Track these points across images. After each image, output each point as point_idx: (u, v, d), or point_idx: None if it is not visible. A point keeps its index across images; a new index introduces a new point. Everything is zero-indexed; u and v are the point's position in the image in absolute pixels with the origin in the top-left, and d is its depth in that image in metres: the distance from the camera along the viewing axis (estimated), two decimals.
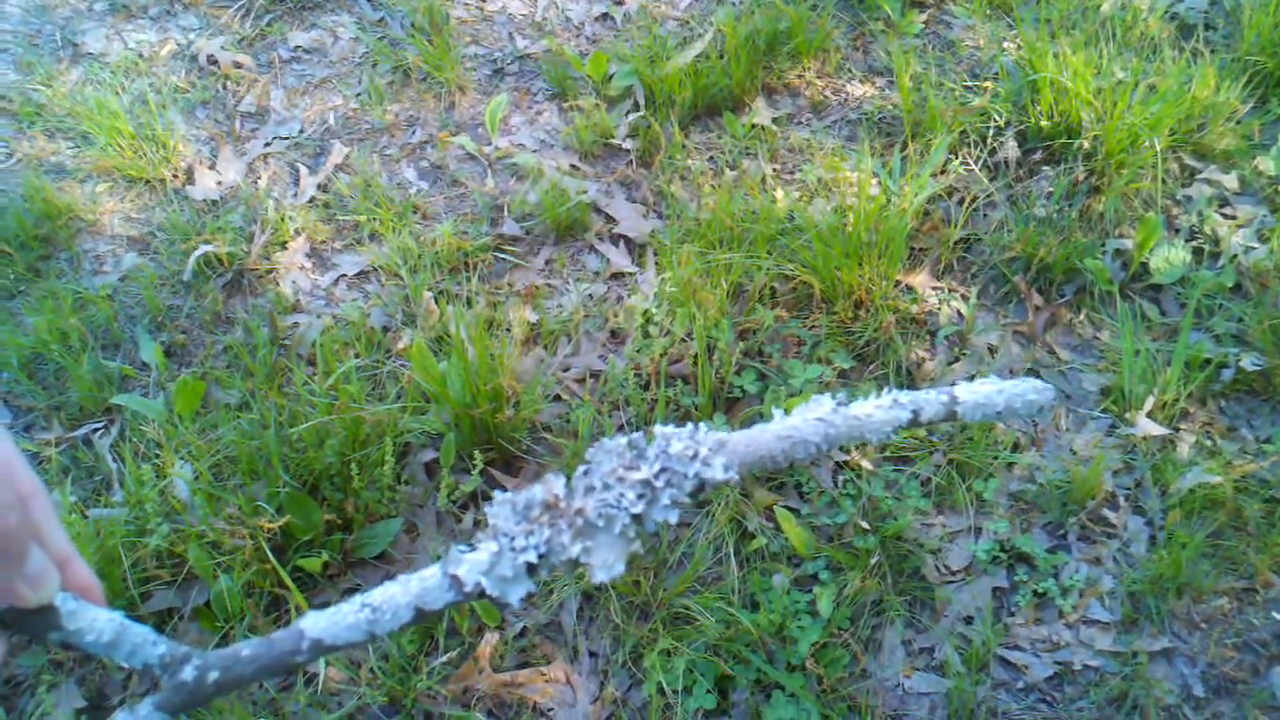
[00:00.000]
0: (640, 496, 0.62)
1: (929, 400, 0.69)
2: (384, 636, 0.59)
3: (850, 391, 0.69)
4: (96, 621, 0.54)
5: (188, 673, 0.55)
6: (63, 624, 0.53)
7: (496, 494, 0.62)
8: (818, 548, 2.00)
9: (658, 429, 0.64)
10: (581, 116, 2.84)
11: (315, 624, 0.58)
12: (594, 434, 2.17)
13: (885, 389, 0.70)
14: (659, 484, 0.62)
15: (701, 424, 0.64)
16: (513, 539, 0.60)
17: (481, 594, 0.60)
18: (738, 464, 0.63)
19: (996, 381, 0.72)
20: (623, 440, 0.63)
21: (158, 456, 2.15)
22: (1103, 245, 2.46)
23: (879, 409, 0.68)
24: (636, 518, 0.62)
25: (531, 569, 0.60)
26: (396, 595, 0.59)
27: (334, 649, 0.58)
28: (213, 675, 0.55)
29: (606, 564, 0.61)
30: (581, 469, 0.63)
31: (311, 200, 2.74)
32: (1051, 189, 2.55)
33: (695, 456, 0.63)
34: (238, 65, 3.11)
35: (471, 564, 0.60)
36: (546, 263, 2.57)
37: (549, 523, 0.61)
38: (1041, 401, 0.72)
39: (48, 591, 0.52)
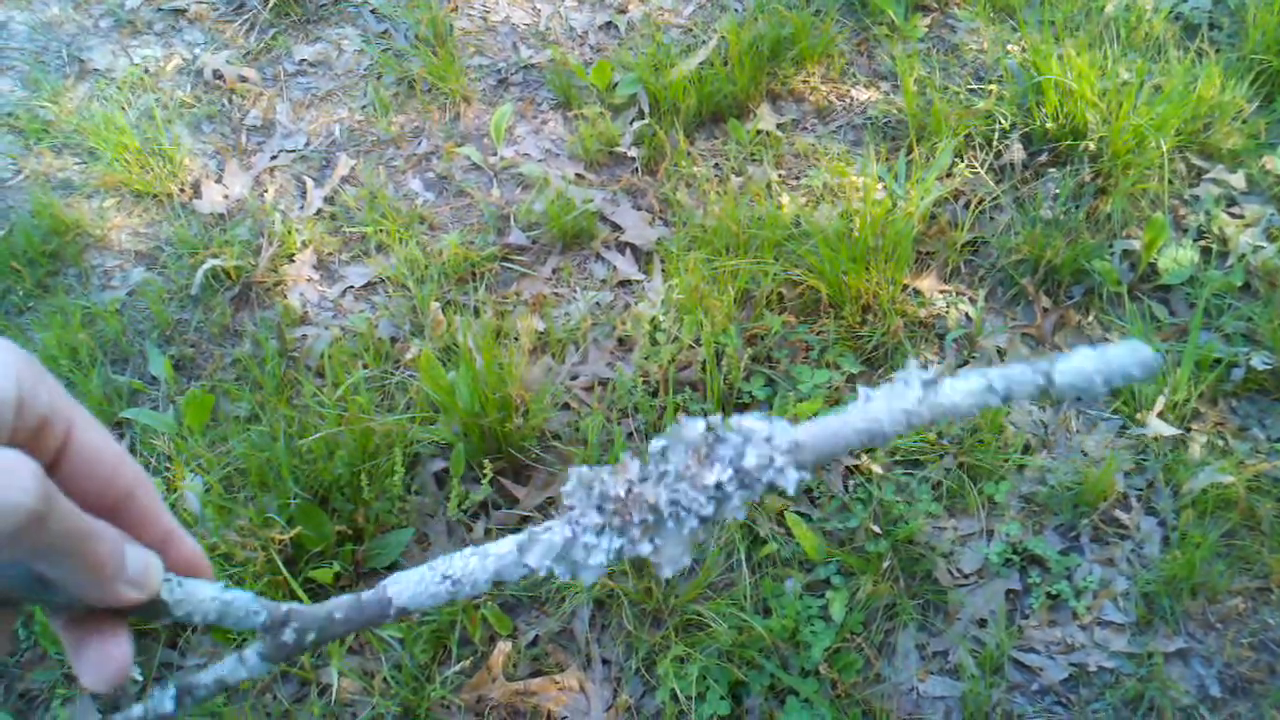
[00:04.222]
0: (711, 499, 0.62)
1: (1021, 381, 0.66)
2: (460, 602, 0.63)
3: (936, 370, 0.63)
4: (202, 603, 0.56)
5: (288, 634, 0.58)
6: (171, 612, 0.55)
7: (571, 471, 0.62)
8: (829, 552, 2.00)
9: (735, 421, 0.63)
10: (586, 125, 2.84)
11: (401, 592, 0.60)
12: (603, 442, 2.17)
13: (978, 371, 0.67)
14: (731, 489, 0.62)
15: (776, 420, 0.63)
16: (585, 529, 0.61)
17: (552, 573, 0.62)
18: (811, 465, 0.63)
19: (1092, 352, 0.68)
20: (701, 425, 0.63)
21: (168, 470, 2.15)
22: (1110, 246, 2.45)
23: (967, 395, 0.65)
24: (704, 519, 0.62)
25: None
26: (475, 569, 0.61)
27: (414, 612, 0.63)
28: (310, 636, 0.59)
29: (673, 559, 0.62)
30: (658, 448, 0.63)
31: (318, 212, 2.75)
32: (1058, 191, 2.55)
33: (770, 464, 0.62)
34: (243, 79, 3.12)
35: (545, 546, 0.61)
36: (553, 271, 2.57)
37: (621, 513, 0.62)
38: (1144, 375, 0.68)
39: (152, 587, 0.53)
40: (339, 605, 0.60)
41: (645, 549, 0.61)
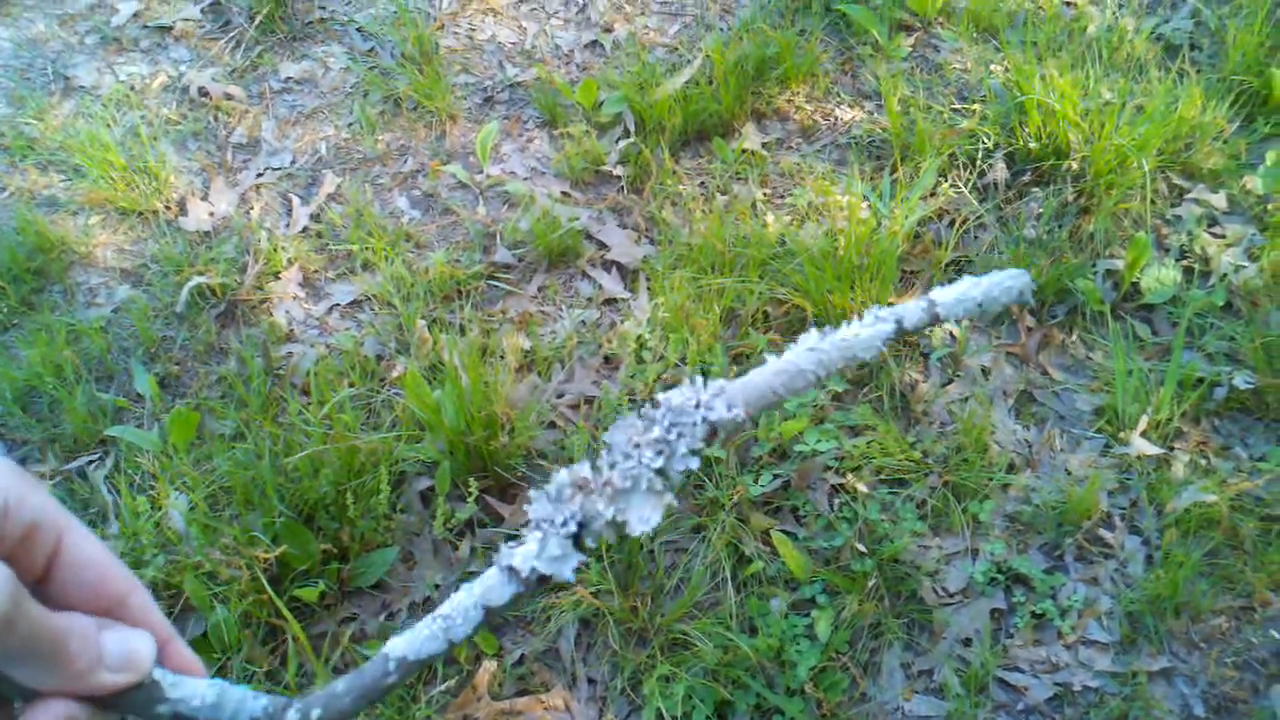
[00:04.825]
0: (659, 453, 0.65)
1: (909, 309, 0.74)
2: (461, 641, 0.62)
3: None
4: (198, 688, 0.55)
5: (292, 715, 0.56)
6: (167, 696, 0.54)
7: (532, 493, 0.64)
8: (815, 571, 2.00)
9: (660, 395, 0.67)
10: (572, 144, 2.85)
11: (397, 646, 0.60)
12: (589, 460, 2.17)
13: (868, 309, 0.73)
14: (672, 437, 0.65)
15: (699, 377, 0.67)
16: (553, 521, 0.63)
17: (540, 578, 0.62)
18: (740, 403, 0.67)
19: (971, 278, 0.75)
20: (633, 415, 0.67)
21: (153, 488, 2.14)
22: (1093, 266, 2.47)
23: (864, 327, 0.72)
24: (659, 471, 0.65)
25: (577, 541, 0.63)
26: (463, 600, 0.62)
27: (419, 664, 0.61)
28: (315, 713, 0.57)
29: (643, 518, 0.64)
30: (604, 452, 0.66)
31: (304, 230, 2.75)
32: (1041, 210, 2.57)
33: (698, 405, 0.66)
34: (229, 97, 3.12)
35: (523, 554, 0.62)
36: (539, 290, 2.58)
37: (583, 498, 0.64)
38: (1019, 286, 0.75)
39: (136, 672, 0.52)
40: (340, 680, 0.59)
41: (610, 512, 0.63)
